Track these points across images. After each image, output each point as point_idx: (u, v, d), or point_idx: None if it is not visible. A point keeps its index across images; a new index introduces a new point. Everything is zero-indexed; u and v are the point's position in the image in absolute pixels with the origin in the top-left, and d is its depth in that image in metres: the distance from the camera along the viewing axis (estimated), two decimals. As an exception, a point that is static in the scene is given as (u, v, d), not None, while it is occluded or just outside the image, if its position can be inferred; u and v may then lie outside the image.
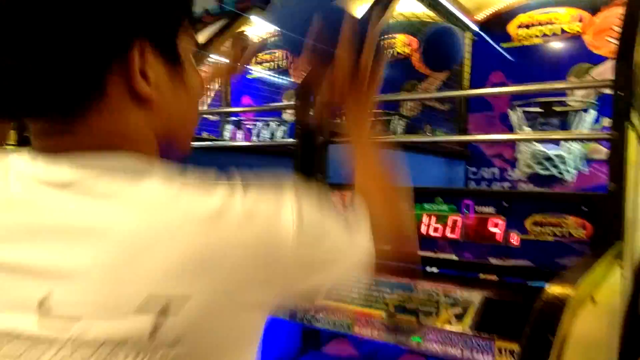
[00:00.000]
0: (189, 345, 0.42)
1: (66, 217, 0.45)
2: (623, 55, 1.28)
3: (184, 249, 0.43)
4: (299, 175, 1.62)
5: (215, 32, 2.62)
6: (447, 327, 1.09)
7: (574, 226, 1.22)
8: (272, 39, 3.12)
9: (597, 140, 1.86)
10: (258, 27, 2.87)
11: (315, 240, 0.51)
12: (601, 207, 1.19)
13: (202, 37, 3.26)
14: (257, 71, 3.36)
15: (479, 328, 1.06)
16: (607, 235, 1.16)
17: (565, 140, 1.92)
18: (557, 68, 2.51)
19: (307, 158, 1.62)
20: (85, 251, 0.43)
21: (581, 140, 1.90)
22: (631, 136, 1.30)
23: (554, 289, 0.66)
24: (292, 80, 3.28)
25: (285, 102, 3.15)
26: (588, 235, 1.20)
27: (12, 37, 0.43)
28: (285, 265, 0.47)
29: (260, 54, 3.35)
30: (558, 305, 0.63)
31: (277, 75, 3.32)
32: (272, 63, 3.31)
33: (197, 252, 0.43)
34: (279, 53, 3.30)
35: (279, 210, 0.47)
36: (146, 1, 0.48)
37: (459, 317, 1.10)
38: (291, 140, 1.70)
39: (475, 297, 1.13)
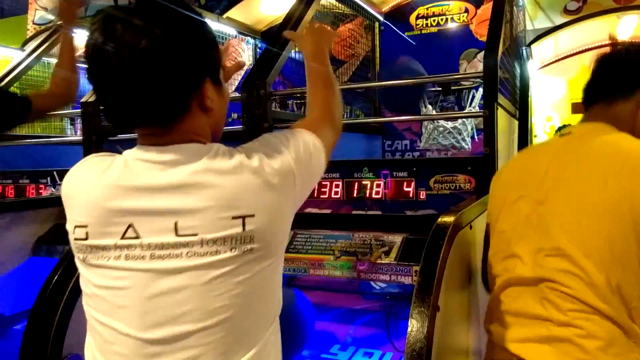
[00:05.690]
0: (259, 241, 0.78)
1: (176, 178, 0.79)
2: (489, 51, 1.72)
3: (242, 191, 0.78)
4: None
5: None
6: (379, 262, 1.48)
7: (463, 182, 1.66)
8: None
9: (476, 117, 2.36)
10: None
11: (304, 162, 0.87)
12: (480, 166, 1.64)
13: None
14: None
15: (401, 259, 1.47)
16: (484, 186, 1.61)
17: (454, 118, 2.40)
18: (451, 52, 2.99)
19: (255, 142, 1.93)
20: (190, 199, 0.77)
21: (465, 117, 2.38)
22: (500, 112, 1.76)
23: (443, 219, 1.06)
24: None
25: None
26: (472, 188, 1.65)
27: (147, 83, 0.77)
28: (295, 183, 0.85)
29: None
30: (444, 229, 1.02)
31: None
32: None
33: (250, 190, 0.79)
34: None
35: (284, 155, 0.84)
36: (209, 57, 0.85)
37: (387, 254, 1.50)
38: (239, 127, 1.99)
39: (397, 238, 1.54)
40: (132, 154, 0.83)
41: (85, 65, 0.80)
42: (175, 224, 0.77)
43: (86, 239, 0.81)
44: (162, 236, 0.77)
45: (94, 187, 0.82)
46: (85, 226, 0.81)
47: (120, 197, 0.80)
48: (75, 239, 0.82)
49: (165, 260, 0.77)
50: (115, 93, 0.79)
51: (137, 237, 0.78)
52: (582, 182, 1.08)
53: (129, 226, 0.78)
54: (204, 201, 0.77)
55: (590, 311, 1.03)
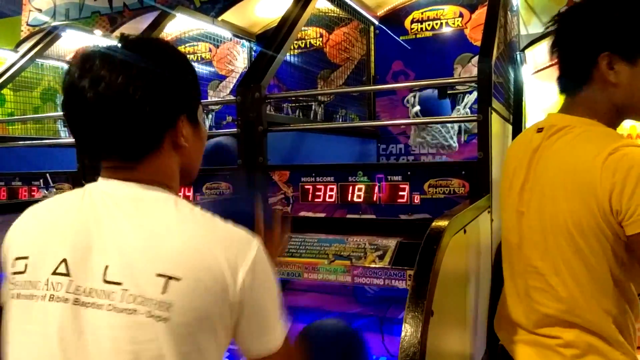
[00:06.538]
0: (176, 315, 0.70)
1: (122, 219, 0.75)
2: (483, 56, 1.73)
3: (179, 251, 0.73)
4: (243, 159, 1.92)
5: (144, 29, 2.78)
6: (373, 266, 1.48)
7: (457, 186, 1.66)
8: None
9: (470, 121, 2.37)
10: (180, 22, 3.04)
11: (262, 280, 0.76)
12: (474, 170, 1.64)
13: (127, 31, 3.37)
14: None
15: (395, 263, 1.47)
16: (478, 190, 1.62)
17: (446, 122, 2.41)
18: (445, 57, 3.00)
19: (250, 145, 1.93)
20: (126, 242, 0.73)
21: (459, 122, 2.39)
22: (494, 117, 1.76)
23: (437, 223, 1.06)
24: (215, 71, 3.50)
25: (222, 97, 3.38)
26: (467, 192, 1.65)
27: (120, 118, 0.76)
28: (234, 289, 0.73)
29: (182, 47, 3.52)
30: (438, 233, 1.02)
31: (200, 67, 3.53)
32: (195, 55, 3.52)
33: (187, 253, 0.73)
34: (201, 45, 3.50)
35: (249, 242, 0.77)
36: (187, 95, 0.83)
37: (381, 258, 1.50)
38: (234, 130, 1.98)
39: (391, 242, 1.54)
40: (92, 185, 0.81)
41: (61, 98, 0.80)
42: (106, 268, 0.72)
43: (24, 272, 0.77)
44: (90, 279, 0.72)
45: (42, 217, 0.81)
46: (26, 257, 0.77)
47: (63, 226, 0.77)
48: (14, 273, 0.78)
49: (88, 309, 0.71)
50: (87, 125, 0.78)
51: (67, 275, 0.73)
52: (545, 197, 1.09)
53: (63, 261, 0.74)
54: (138, 250, 0.72)
55: (565, 324, 1.06)
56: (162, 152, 0.80)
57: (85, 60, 0.76)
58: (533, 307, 1.12)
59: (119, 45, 0.79)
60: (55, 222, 0.79)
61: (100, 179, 0.81)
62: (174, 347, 0.69)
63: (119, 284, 0.71)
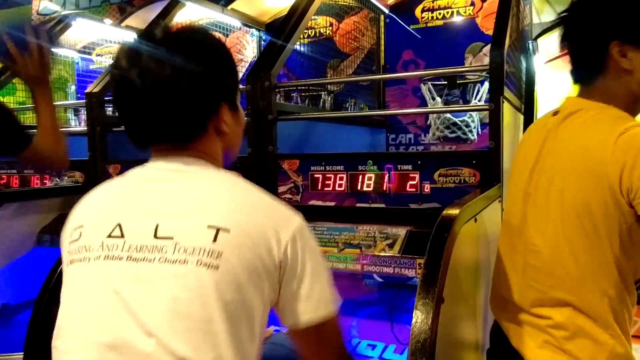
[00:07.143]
0: (226, 263, 0.74)
1: (170, 182, 0.82)
2: (495, 45, 1.71)
3: (227, 205, 0.78)
4: (253, 147, 1.93)
5: (154, 17, 2.78)
6: (382, 254, 1.48)
7: (468, 175, 1.65)
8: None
9: (481, 110, 2.35)
10: (190, 11, 3.04)
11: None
12: (485, 160, 1.63)
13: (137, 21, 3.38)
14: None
15: (405, 252, 1.47)
16: (489, 180, 1.61)
17: (458, 111, 2.39)
18: (456, 46, 2.97)
19: (259, 133, 1.94)
20: (176, 202, 0.79)
21: (471, 110, 2.38)
22: (505, 106, 1.75)
23: (447, 212, 1.06)
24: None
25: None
26: (477, 181, 1.64)
27: (167, 107, 0.81)
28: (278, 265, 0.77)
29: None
30: (450, 221, 1.02)
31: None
32: (204, 45, 3.51)
33: (235, 208, 0.78)
34: (210, 35, 3.50)
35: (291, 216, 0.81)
36: (227, 83, 0.88)
37: (391, 246, 1.50)
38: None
39: (401, 231, 1.54)
40: (140, 166, 0.87)
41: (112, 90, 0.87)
42: (156, 226, 0.77)
43: (79, 239, 0.82)
44: (142, 237, 0.77)
45: (99, 194, 0.88)
46: (81, 226, 0.84)
47: (117, 197, 0.85)
48: (71, 242, 0.84)
49: (139, 264, 0.76)
50: (137, 115, 0.85)
51: (121, 236, 0.79)
52: (554, 177, 1.09)
53: (117, 225, 0.80)
54: (188, 207, 0.79)
55: (560, 303, 1.06)
56: (206, 137, 0.86)
57: (133, 53, 0.83)
58: (529, 284, 1.13)
59: (161, 36, 0.85)
60: (108, 196, 0.87)
61: (150, 160, 0.88)
62: (220, 295, 0.73)
63: (170, 238, 0.76)
